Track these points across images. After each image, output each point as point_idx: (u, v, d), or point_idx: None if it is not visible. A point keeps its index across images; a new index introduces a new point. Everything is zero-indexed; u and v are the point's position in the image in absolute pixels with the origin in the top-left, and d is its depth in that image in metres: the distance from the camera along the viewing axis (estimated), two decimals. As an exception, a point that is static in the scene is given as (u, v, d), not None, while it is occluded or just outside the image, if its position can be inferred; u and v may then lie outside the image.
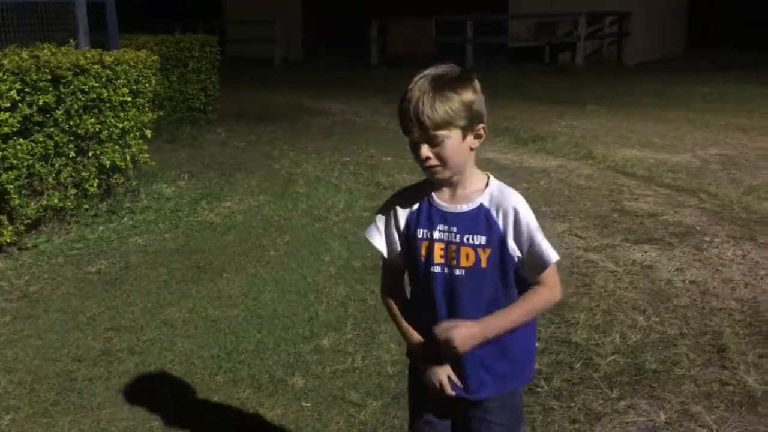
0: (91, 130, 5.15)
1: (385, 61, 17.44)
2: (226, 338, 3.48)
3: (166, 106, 8.22)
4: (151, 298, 3.96)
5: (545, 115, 9.84)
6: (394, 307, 1.87)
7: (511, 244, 1.70)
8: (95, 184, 5.24)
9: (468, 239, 1.71)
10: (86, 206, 5.24)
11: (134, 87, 5.58)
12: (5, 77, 4.43)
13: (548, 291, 1.74)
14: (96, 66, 5.19)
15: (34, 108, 4.65)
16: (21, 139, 4.58)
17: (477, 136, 1.69)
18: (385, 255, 1.85)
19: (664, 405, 2.81)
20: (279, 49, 18.99)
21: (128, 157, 5.57)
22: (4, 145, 4.46)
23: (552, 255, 1.70)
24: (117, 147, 5.46)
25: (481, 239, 1.70)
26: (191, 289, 4.10)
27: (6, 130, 4.43)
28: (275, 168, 7.21)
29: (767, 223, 4.97)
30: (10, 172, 4.50)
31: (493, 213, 1.71)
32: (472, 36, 16.47)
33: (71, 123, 4.97)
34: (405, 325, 1.85)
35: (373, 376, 3.13)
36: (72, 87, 4.94)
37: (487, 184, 1.75)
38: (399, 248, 1.82)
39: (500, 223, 1.70)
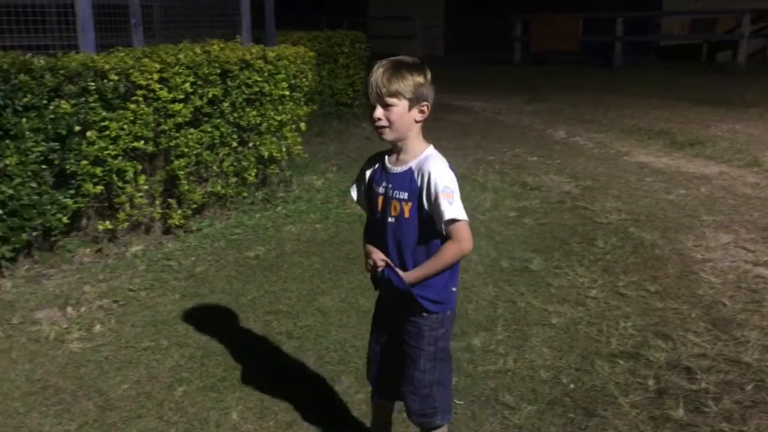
0: (253, 122, 5.41)
1: (529, 59, 17.11)
2: (378, 330, 3.54)
3: (316, 100, 8.49)
4: (306, 285, 4.11)
5: (703, 118, 9.28)
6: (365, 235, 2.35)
7: (423, 200, 2.09)
8: (253, 174, 5.50)
9: (396, 194, 2.14)
10: (245, 194, 5.51)
11: (292, 81, 5.79)
12: (181, 71, 4.74)
13: (455, 245, 2.10)
14: (259, 61, 5.44)
15: (204, 100, 4.94)
16: (192, 129, 4.89)
17: (420, 111, 2.11)
18: (354, 198, 2.37)
19: None
20: (420, 46, 19.11)
21: (284, 149, 5.80)
22: (177, 134, 4.78)
23: (451, 213, 2.04)
24: (274, 139, 5.70)
25: (403, 194, 2.13)
26: (342, 279, 4.21)
27: (180, 120, 4.74)
28: (420, 164, 7.25)
29: None
30: (181, 160, 4.81)
31: (415, 174, 2.11)
32: (622, 33, 15.80)
33: (235, 115, 5.24)
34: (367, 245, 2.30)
35: (527, 379, 3.08)
36: (238, 81, 5.21)
37: (423, 153, 2.14)
38: (364, 199, 2.32)
39: (418, 182, 2.10)
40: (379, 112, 2.08)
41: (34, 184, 4.06)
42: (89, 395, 2.96)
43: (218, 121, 5.12)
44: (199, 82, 4.89)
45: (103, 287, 4.06)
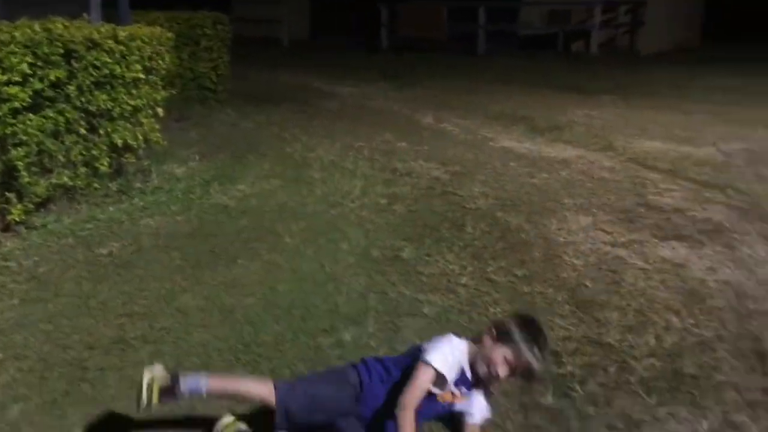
0: (103, 106, 4.99)
1: (395, 45, 17.19)
2: (243, 328, 3.34)
3: (176, 84, 8.03)
4: (165, 283, 3.83)
5: (561, 104, 9.65)
6: None
7: None
8: (106, 163, 5.09)
9: None
10: (96, 185, 5.08)
11: (147, 64, 5.40)
12: (16, 50, 4.26)
13: None
14: (109, 41, 5.00)
15: (46, 83, 4.48)
16: (31, 115, 4.42)
17: None
18: None
19: (707, 414, 2.68)
20: (287, 29, 18.71)
21: (140, 136, 5.42)
22: (13, 120, 4.29)
23: None
24: (128, 125, 5.30)
25: None
26: (205, 275, 3.96)
27: (16, 104, 4.26)
28: (287, 151, 7.04)
29: (798, 223, 4.83)
30: (19, 149, 4.34)
31: None
32: (484, 23, 16.21)
33: (83, 99, 4.80)
34: None
35: (399, 373, 2.99)
36: (84, 62, 4.77)
37: None
38: None
39: None
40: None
41: None
42: None
43: (63, 106, 4.66)
44: (39, 63, 4.42)
45: (-73, 294, 3.58)
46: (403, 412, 2.23)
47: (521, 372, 2.32)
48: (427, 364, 2.28)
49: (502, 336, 2.32)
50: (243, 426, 2.37)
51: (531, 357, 2.26)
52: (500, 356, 2.29)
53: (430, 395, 2.31)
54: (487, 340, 2.35)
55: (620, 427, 2.61)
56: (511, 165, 6.44)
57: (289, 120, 8.69)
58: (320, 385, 2.39)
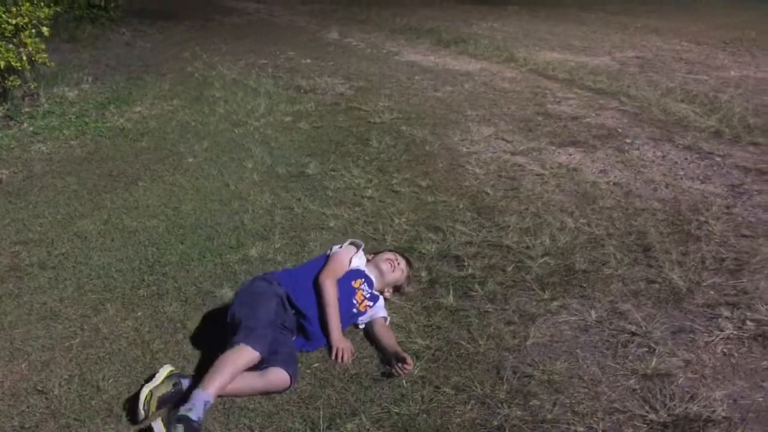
0: (-21, 25, 4.65)
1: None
2: (147, 250, 3.29)
3: (62, 1, 7.55)
4: (61, 209, 3.70)
5: (466, 16, 9.66)
6: None
7: None
8: (-12, 87, 4.79)
9: None
10: (-21, 111, 4.80)
11: (25, -22, 5.04)
12: None
13: None
14: (-21, -48, 4.63)
15: None
16: None
17: None
18: None
19: (595, 304, 2.85)
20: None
21: (24, 57, 5.10)
22: None
23: None
24: (11, 46, 4.97)
25: None
26: (104, 199, 3.84)
27: None
28: (188, 70, 6.81)
29: (684, 125, 5.09)
30: None
31: None
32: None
33: (-45, 17, 4.46)
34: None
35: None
36: (-48, -24, 4.40)
37: None
38: None
39: None
40: None
41: None
42: None
43: (-68, 25, 4.32)
44: None
45: None
46: (323, 282, 2.59)
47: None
48: (349, 245, 2.79)
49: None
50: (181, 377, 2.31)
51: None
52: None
53: (349, 288, 2.67)
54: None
55: (516, 321, 2.75)
56: (416, 79, 6.45)
57: (189, 38, 8.36)
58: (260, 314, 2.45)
